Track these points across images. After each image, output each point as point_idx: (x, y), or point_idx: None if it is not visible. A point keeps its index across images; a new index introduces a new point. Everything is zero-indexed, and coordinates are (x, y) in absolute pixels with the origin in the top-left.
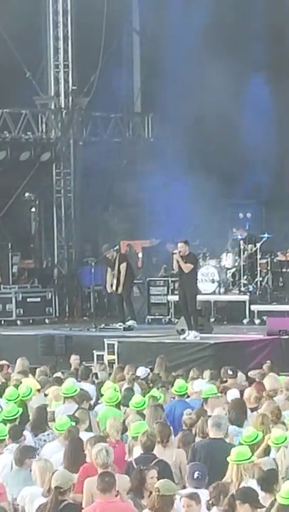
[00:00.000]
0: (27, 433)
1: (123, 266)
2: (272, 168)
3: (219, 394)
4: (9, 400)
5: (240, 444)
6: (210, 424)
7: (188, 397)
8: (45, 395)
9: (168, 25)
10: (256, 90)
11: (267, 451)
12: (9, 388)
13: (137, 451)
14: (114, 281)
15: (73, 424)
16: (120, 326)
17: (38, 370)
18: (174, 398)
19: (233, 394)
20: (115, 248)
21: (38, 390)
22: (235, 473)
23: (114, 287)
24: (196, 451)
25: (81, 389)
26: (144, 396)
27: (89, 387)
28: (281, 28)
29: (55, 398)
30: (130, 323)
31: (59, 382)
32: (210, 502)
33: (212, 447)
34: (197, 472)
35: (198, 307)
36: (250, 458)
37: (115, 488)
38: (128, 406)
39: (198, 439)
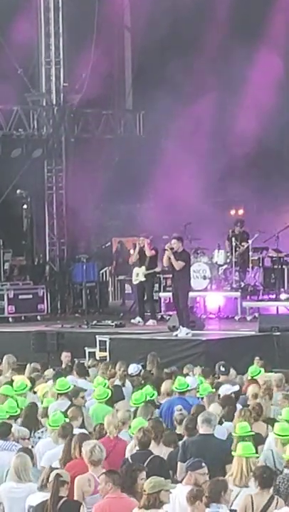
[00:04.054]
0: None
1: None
2: (267, 164)
3: (214, 390)
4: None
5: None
6: (200, 421)
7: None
8: (35, 393)
9: (159, 22)
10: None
11: None
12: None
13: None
14: (140, 271)
15: (67, 420)
16: (116, 322)
17: (27, 367)
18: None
19: (226, 389)
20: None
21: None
22: (245, 467)
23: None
24: (186, 447)
25: (74, 385)
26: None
27: (85, 384)
28: None
29: (49, 394)
30: (150, 322)
31: (54, 378)
32: (209, 497)
33: (203, 443)
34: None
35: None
36: (255, 452)
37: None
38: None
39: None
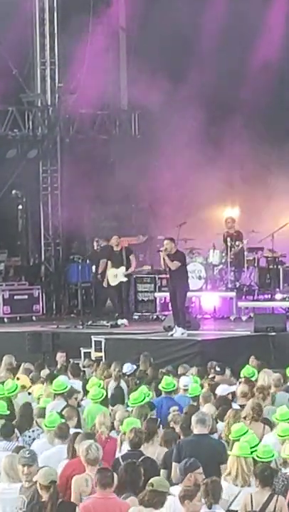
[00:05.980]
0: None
1: (133, 257)
2: (264, 163)
3: (205, 391)
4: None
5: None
6: (194, 421)
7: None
8: (29, 394)
9: (154, 22)
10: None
11: None
12: None
13: (124, 447)
14: (118, 272)
15: (63, 421)
16: (111, 323)
17: (21, 368)
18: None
19: (222, 390)
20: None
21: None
22: (246, 467)
23: (117, 278)
24: (181, 447)
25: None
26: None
27: (78, 385)
28: None
29: (46, 395)
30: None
31: (50, 379)
32: (212, 499)
33: (197, 443)
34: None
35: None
36: (251, 453)
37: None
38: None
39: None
